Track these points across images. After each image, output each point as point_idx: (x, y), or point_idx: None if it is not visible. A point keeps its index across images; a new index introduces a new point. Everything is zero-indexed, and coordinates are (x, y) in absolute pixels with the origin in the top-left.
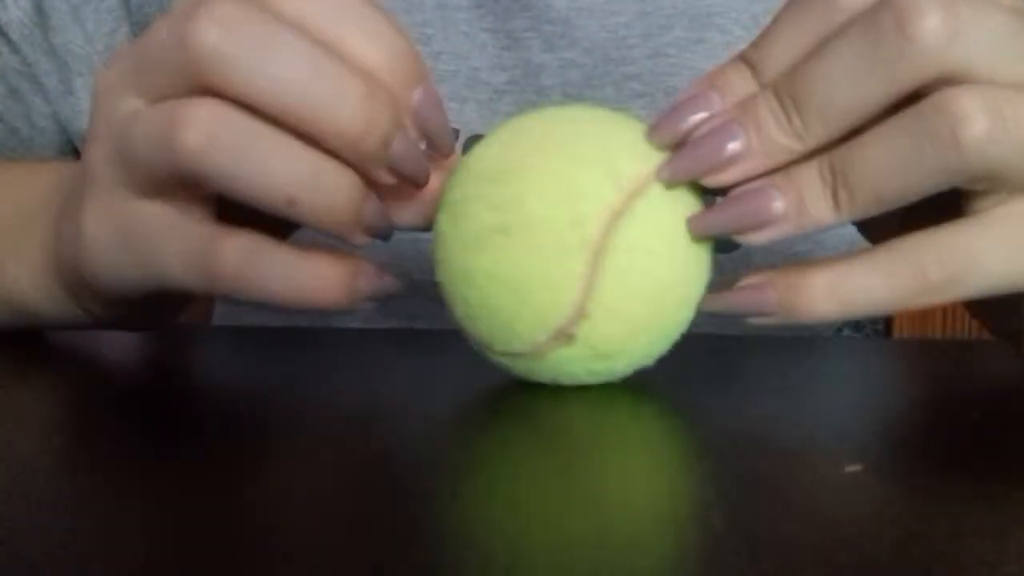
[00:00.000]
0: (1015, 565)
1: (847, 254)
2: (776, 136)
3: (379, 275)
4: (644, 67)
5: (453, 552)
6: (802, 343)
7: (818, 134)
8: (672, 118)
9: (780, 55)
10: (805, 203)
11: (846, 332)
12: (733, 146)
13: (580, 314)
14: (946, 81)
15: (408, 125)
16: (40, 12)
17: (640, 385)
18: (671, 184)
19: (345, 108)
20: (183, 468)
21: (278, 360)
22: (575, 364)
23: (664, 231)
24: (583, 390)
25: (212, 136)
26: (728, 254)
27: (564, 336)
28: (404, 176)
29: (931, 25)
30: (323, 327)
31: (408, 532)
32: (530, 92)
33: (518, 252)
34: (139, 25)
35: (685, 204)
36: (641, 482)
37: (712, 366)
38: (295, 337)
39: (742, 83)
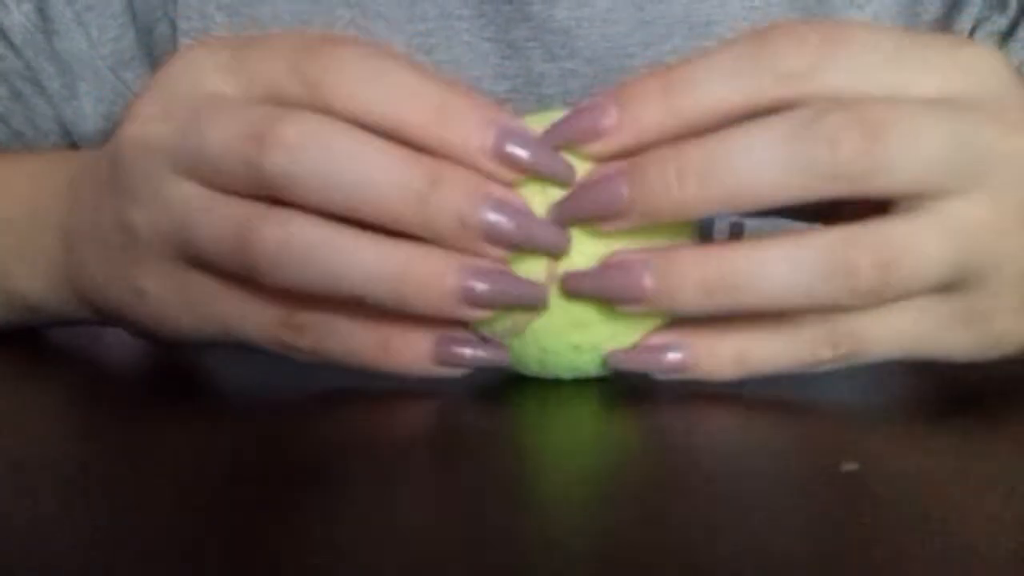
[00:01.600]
0: (1015, 564)
1: (756, 318)
2: (656, 200)
3: (467, 343)
4: None
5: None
6: None
7: (700, 213)
8: (566, 126)
9: (696, 102)
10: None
11: None
12: (614, 198)
13: (551, 278)
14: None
15: (497, 189)
16: (43, 16)
17: (635, 384)
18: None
19: (406, 202)
20: (183, 467)
21: (278, 359)
22: (555, 337)
23: None
24: (577, 386)
25: (285, 251)
26: None
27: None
28: (514, 244)
29: (853, 153)
30: None
31: (412, 530)
32: (531, 101)
33: None
34: (144, 31)
35: None
36: (633, 480)
37: None
38: None
39: (650, 106)
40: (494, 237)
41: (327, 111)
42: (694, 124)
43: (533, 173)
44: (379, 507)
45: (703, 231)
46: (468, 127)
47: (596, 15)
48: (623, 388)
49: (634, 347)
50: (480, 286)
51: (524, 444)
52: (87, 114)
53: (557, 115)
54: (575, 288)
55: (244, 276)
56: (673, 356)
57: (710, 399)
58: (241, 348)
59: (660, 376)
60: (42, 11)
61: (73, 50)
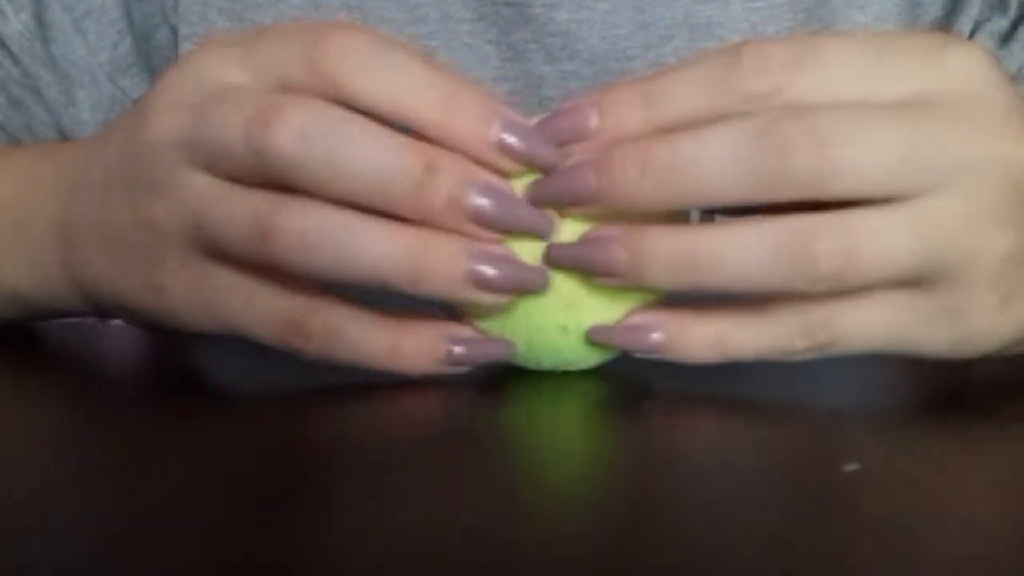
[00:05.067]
0: (1015, 564)
1: (735, 304)
2: (620, 192)
3: (476, 342)
4: None
5: (444, 548)
6: None
7: (660, 207)
8: (548, 127)
9: (672, 114)
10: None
11: None
12: (581, 187)
13: (543, 257)
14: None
15: (489, 176)
16: (41, 24)
17: (633, 382)
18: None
19: (402, 186)
20: (185, 465)
21: (276, 354)
22: (544, 316)
23: None
24: (576, 382)
25: (305, 239)
26: None
27: None
28: (504, 228)
29: (805, 162)
30: None
31: (409, 529)
32: (532, 103)
33: None
34: (142, 38)
35: None
36: (631, 479)
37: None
38: None
39: (628, 111)
40: (482, 220)
41: (336, 98)
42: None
43: (529, 164)
44: (380, 507)
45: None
46: (473, 117)
47: (596, 18)
48: (622, 386)
49: (616, 324)
50: (490, 270)
51: (523, 443)
52: (85, 121)
53: None
54: (556, 259)
55: (262, 266)
56: (652, 336)
57: (709, 398)
58: (242, 346)
59: (639, 355)
60: (40, 18)
61: (71, 57)
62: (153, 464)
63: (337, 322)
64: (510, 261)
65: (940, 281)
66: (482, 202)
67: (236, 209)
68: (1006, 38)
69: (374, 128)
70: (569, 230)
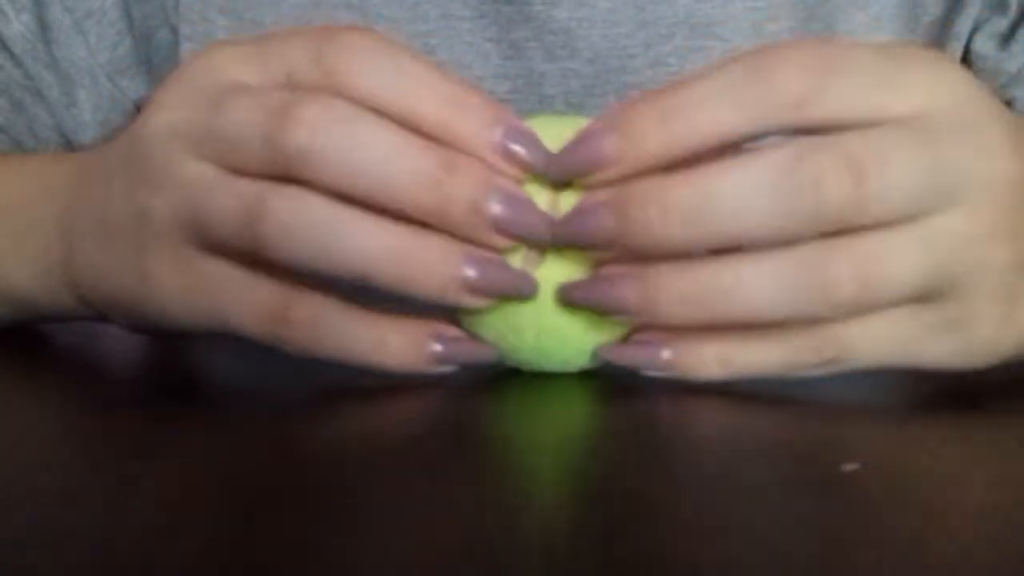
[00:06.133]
0: (1015, 564)
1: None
2: (640, 237)
3: (460, 341)
4: (645, 76)
5: (441, 547)
6: None
7: (684, 250)
8: (568, 158)
9: (695, 129)
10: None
11: None
12: (601, 230)
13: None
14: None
15: (504, 182)
16: (42, 25)
17: (631, 384)
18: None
19: (422, 186)
20: (184, 465)
21: (278, 356)
22: (539, 318)
23: None
24: (563, 383)
25: (294, 226)
26: None
27: (534, 259)
28: (514, 234)
29: (841, 195)
30: None
31: (407, 529)
32: (533, 101)
33: None
34: (142, 39)
35: None
36: (630, 478)
37: None
38: None
39: (649, 134)
40: (502, 228)
41: (345, 97)
42: (693, 150)
43: (531, 171)
44: (380, 508)
45: None
46: (478, 121)
47: (597, 16)
48: (620, 386)
49: (624, 340)
50: (482, 274)
51: (521, 443)
52: (86, 122)
53: (557, 117)
54: (567, 299)
55: (251, 254)
56: (660, 353)
57: (708, 398)
58: (241, 349)
59: (646, 373)
60: (41, 19)
61: (72, 58)
62: (152, 464)
63: (323, 313)
64: (501, 267)
65: (947, 294)
66: (504, 210)
67: (231, 194)
68: (1006, 39)
69: (392, 125)
70: (566, 203)
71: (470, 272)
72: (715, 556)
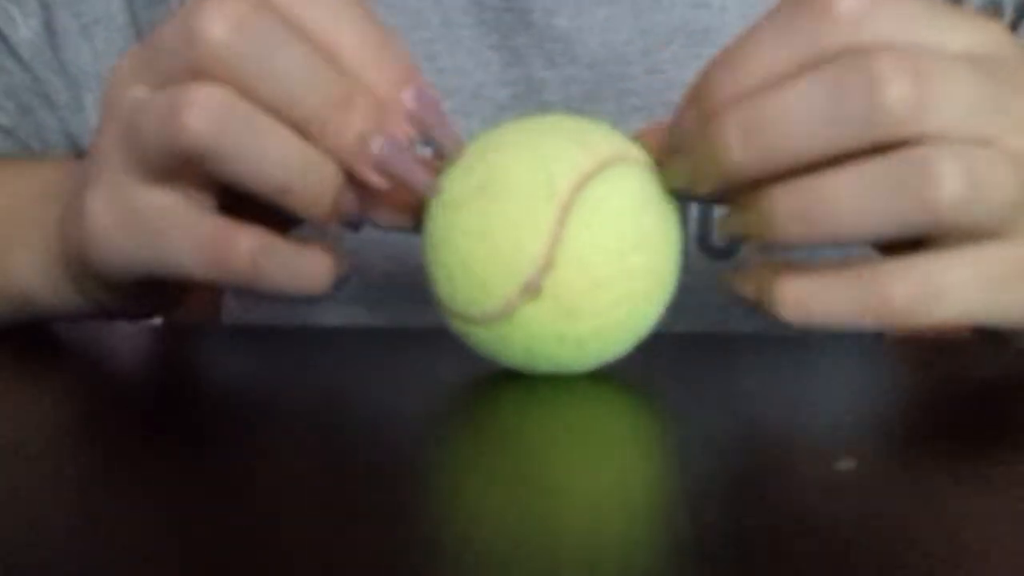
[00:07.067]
0: (1009, 560)
1: (822, 266)
2: (718, 161)
3: (345, 258)
4: (642, 83)
5: (444, 550)
6: (792, 341)
7: (755, 168)
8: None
9: (750, 70)
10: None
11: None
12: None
13: (548, 264)
14: (917, 140)
15: (397, 129)
16: (50, 30)
17: (628, 383)
18: (642, 164)
19: (324, 105)
20: (184, 465)
21: (280, 358)
22: (543, 324)
23: (631, 194)
24: (568, 386)
25: (215, 119)
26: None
27: (532, 290)
28: (392, 177)
29: (901, 94)
30: (324, 327)
31: (404, 530)
32: (533, 107)
33: (492, 207)
34: None
35: (653, 182)
36: (630, 480)
37: (702, 364)
38: (296, 335)
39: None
40: (380, 166)
41: (269, 8)
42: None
43: (426, 136)
44: (379, 507)
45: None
46: (393, 71)
47: (595, 23)
48: (621, 385)
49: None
50: (387, 150)
51: (522, 443)
52: (93, 126)
53: (558, 117)
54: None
55: (176, 158)
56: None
57: (708, 397)
58: (242, 349)
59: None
60: (49, 25)
61: (79, 62)
62: (152, 464)
63: (266, 245)
64: (411, 155)
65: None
66: (387, 149)
67: (158, 100)
68: None
69: (309, 44)
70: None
71: (381, 142)
72: (714, 556)
